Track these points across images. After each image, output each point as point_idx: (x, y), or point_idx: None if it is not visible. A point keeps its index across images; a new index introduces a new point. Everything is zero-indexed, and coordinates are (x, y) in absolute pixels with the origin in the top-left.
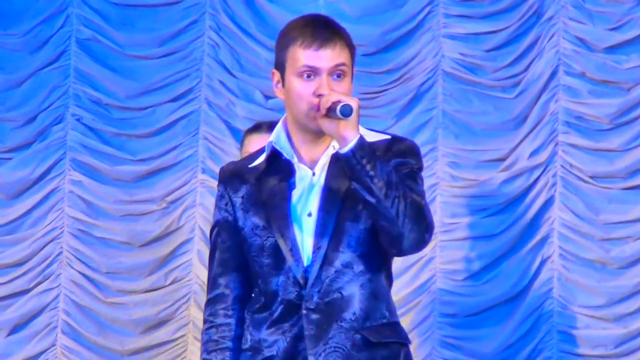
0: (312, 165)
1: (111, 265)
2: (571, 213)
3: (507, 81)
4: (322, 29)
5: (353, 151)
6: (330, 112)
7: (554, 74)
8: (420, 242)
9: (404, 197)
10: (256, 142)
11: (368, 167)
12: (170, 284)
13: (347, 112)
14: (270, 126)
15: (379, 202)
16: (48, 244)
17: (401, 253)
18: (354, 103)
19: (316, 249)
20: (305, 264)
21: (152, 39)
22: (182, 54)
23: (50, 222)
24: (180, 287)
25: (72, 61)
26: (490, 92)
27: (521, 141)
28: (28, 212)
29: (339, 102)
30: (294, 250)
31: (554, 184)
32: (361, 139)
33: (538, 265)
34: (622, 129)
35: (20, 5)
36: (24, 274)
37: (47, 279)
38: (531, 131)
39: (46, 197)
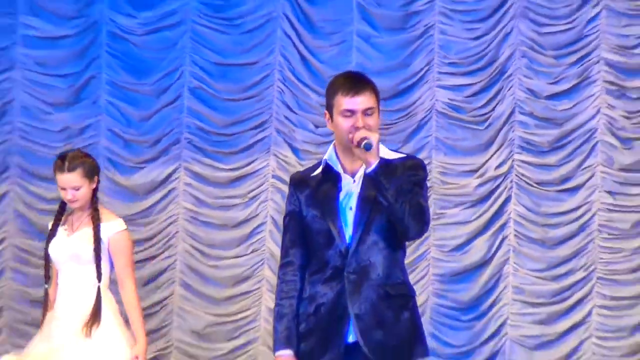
0: (352, 175)
1: (210, 240)
2: (522, 207)
3: (480, 117)
4: (356, 82)
5: (374, 172)
6: (359, 145)
7: (512, 113)
8: (419, 234)
9: (409, 202)
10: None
11: (384, 182)
12: (250, 253)
13: (368, 147)
14: None
15: (390, 205)
16: (169, 225)
17: (407, 240)
18: (374, 140)
19: (354, 232)
20: (347, 242)
21: (238, 87)
22: (259, 97)
23: (170, 211)
24: (257, 255)
25: (185, 102)
26: (468, 125)
27: (489, 158)
28: (156, 203)
29: (364, 139)
30: (340, 233)
31: (511, 187)
32: (380, 161)
33: (499, 242)
34: (557, 151)
35: (150, 63)
36: (153, 245)
37: (168, 249)
38: (496, 152)
39: (168, 194)
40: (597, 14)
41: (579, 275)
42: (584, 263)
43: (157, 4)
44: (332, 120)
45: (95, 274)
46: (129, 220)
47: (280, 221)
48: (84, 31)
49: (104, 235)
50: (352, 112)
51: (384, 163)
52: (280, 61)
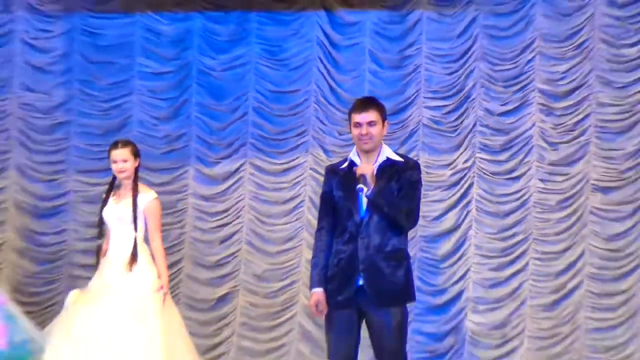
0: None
1: (267, 212)
2: (481, 190)
3: (452, 128)
4: (364, 103)
5: (371, 197)
6: (362, 146)
7: (474, 125)
8: (411, 227)
9: (402, 209)
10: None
11: (380, 202)
12: (294, 221)
13: (361, 190)
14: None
15: (387, 215)
16: (238, 202)
17: (403, 232)
18: (369, 175)
19: (366, 211)
20: (361, 216)
21: (286, 107)
22: (300, 114)
23: (239, 192)
24: (298, 223)
25: (250, 117)
26: (444, 134)
27: (458, 156)
28: (230, 186)
29: (361, 176)
30: (357, 209)
31: (473, 176)
32: (386, 161)
33: (465, 214)
34: (505, 152)
35: (225, 90)
36: (228, 215)
37: (237, 218)
38: (463, 152)
39: (238, 180)
40: (533, 57)
41: (520, 237)
42: (524, 229)
43: (230, 50)
44: (350, 132)
45: (134, 229)
46: (209, 198)
47: (315, 200)
48: (181, 68)
49: (140, 203)
50: (359, 124)
51: (389, 163)
52: (315, 89)
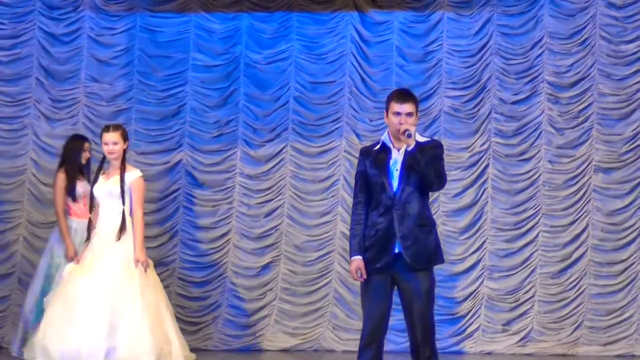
0: (398, 150)
1: (306, 189)
2: (496, 170)
3: (470, 115)
4: (404, 95)
5: (413, 151)
6: (403, 134)
7: (489, 113)
8: (440, 187)
9: (434, 168)
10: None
11: (419, 157)
12: (330, 197)
13: (409, 135)
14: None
15: (422, 170)
16: (280, 180)
17: (432, 191)
18: (413, 131)
19: (399, 185)
20: (394, 190)
21: (323, 97)
22: (336, 103)
23: (281, 171)
24: (334, 199)
25: (291, 105)
26: (463, 121)
27: (476, 140)
28: (272, 167)
29: (407, 130)
30: (389, 184)
31: (489, 158)
32: (416, 143)
33: (482, 192)
34: (517, 136)
35: (269, 82)
36: (270, 192)
37: (279, 195)
38: (480, 136)
39: (280, 161)
40: (542, 53)
41: (531, 212)
42: (534, 204)
43: (274, 45)
44: (387, 117)
45: (122, 204)
46: (255, 177)
47: (349, 179)
48: (230, 62)
49: (127, 179)
50: (399, 114)
51: (418, 144)
52: (348, 81)
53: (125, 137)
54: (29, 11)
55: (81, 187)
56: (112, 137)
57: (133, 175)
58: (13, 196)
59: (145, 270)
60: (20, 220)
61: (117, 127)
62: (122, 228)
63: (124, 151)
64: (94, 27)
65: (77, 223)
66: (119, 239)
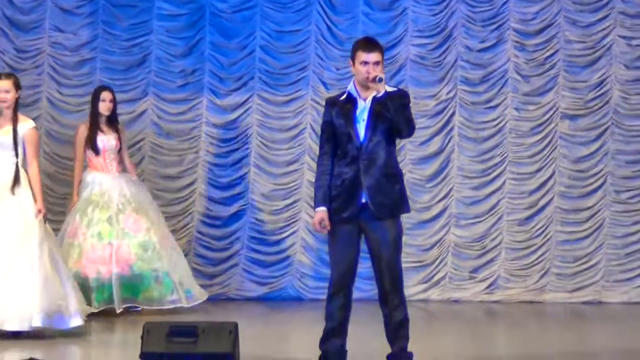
0: (364, 100)
1: (272, 137)
2: (462, 117)
3: (437, 64)
4: (371, 44)
5: (383, 97)
6: (373, 80)
7: (455, 60)
8: (409, 134)
9: (403, 114)
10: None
11: (389, 103)
12: (297, 146)
13: (380, 80)
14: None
15: (392, 116)
16: (247, 129)
17: (401, 137)
18: (382, 76)
19: (365, 134)
20: (361, 140)
21: (290, 45)
22: (302, 52)
23: (247, 120)
24: (301, 147)
25: (257, 54)
26: (430, 69)
27: (442, 88)
28: (239, 116)
29: (376, 76)
30: (356, 134)
31: (455, 106)
32: (386, 92)
33: (448, 140)
34: (483, 84)
35: (235, 31)
36: (235, 143)
37: (246, 144)
38: (446, 84)
39: (246, 110)
40: (507, 0)
41: (497, 159)
42: (500, 152)
43: None
44: (354, 66)
45: (14, 156)
46: (221, 126)
47: (315, 127)
48: (195, 11)
49: (20, 130)
50: (366, 63)
51: (386, 93)
52: (315, 29)
53: (17, 86)
54: None
55: (101, 140)
56: (3, 85)
57: (26, 126)
58: None
59: (45, 222)
60: None
61: (9, 76)
62: (16, 181)
63: (17, 100)
64: None
65: (93, 176)
66: (13, 193)
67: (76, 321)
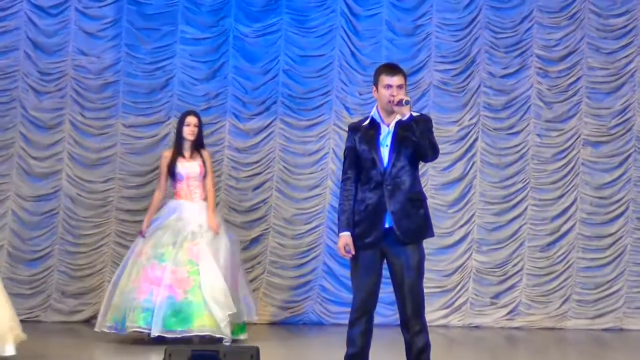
0: (388, 125)
1: (295, 162)
2: (484, 144)
3: (460, 90)
4: (394, 68)
5: (409, 119)
6: (398, 103)
7: (479, 86)
8: (433, 158)
9: (428, 139)
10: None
11: (414, 126)
12: (319, 171)
13: (407, 103)
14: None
15: (417, 140)
16: (268, 154)
17: (425, 161)
18: (409, 99)
19: (389, 159)
20: (385, 165)
21: (313, 70)
22: (326, 76)
23: (269, 144)
24: (323, 172)
25: (280, 78)
26: (453, 94)
27: (465, 114)
28: (261, 140)
29: (402, 99)
30: (380, 160)
31: (478, 131)
32: (411, 115)
33: (471, 165)
34: (506, 110)
35: (259, 55)
36: (258, 167)
37: (268, 168)
38: (469, 110)
39: (268, 135)
40: (531, 26)
41: (519, 185)
42: (523, 178)
43: (263, 19)
44: (377, 91)
45: None
46: (243, 150)
47: (338, 152)
48: (219, 35)
49: None
50: (390, 86)
51: (412, 117)
52: (338, 54)
53: None
54: None
55: (184, 167)
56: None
57: None
58: (1, 169)
59: None
60: (9, 193)
61: None
62: None
63: None
64: (82, 0)
65: (177, 203)
66: None
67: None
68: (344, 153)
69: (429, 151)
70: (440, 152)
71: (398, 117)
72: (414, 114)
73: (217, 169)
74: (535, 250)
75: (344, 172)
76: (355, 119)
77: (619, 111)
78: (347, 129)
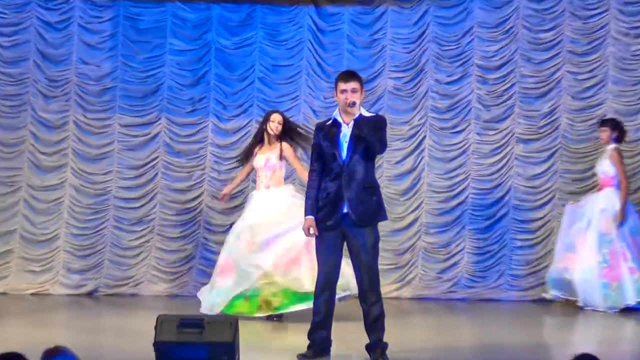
0: (347, 124)
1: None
2: (432, 140)
3: (410, 94)
4: (348, 75)
5: (358, 119)
6: (349, 105)
7: (426, 92)
8: (381, 152)
9: (376, 135)
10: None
11: (363, 125)
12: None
13: (353, 104)
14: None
15: (367, 137)
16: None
17: (375, 155)
18: (355, 100)
19: (347, 154)
20: (343, 159)
21: (284, 77)
22: (295, 83)
23: (246, 141)
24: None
25: (256, 85)
26: (404, 99)
27: (414, 115)
28: (238, 139)
29: (352, 101)
30: (339, 155)
31: (425, 131)
32: (361, 116)
33: (420, 160)
34: (450, 112)
35: (237, 63)
36: (236, 161)
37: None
38: (418, 112)
39: (245, 133)
40: (472, 40)
41: (461, 177)
42: (464, 170)
43: (241, 33)
44: (336, 95)
45: None
46: (224, 146)
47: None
48: (202, 47)
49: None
50: (345, 91)
51: (364, 118)
52: (306, 64)
53: None
54: (27, 2)
55: (263, 158)
56: None
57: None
58: (14, 163)
59: None
60: (21, 184)
61: None
62: None
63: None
64: (83, 16)
65: (257, 194)
66: None
67: None
68: (312, 148)
69: (377, 145)
70: (393, 148)
71: (357, 116)
72: (370, 114)
73: (201, 163)
74: (475, 233)
75: (311, 165)
76: (321, 120)
77: (547, 113)
78: (314, 128)
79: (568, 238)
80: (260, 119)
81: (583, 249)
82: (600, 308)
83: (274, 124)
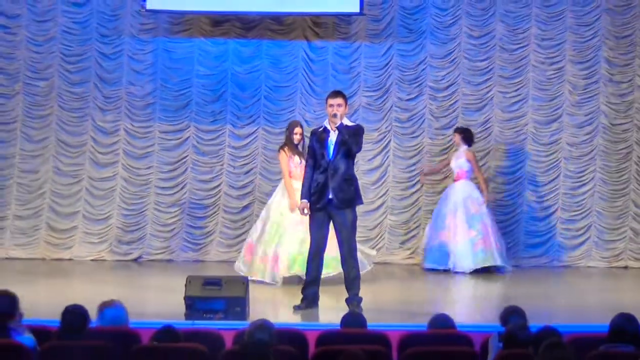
0: (334, 131)
1: (272, 155)
2: (395, 143)
3: (379, 109)
4: (335, 93)
5: (340, 128)
6: (332, 116)
7: (391, 107)
8: (357, 151)
9: (354, 140)
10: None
11: (344, 131)
12: None
13: (335, 115)
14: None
15: (346, 140)
16: (255, 150)
17: (353, 154)
18: (337, 112)
19: (333, 154)
20: (329, 157)
21: (284, 95)
22: (292, 100)
23: (255, 144)
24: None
25: (262, 101)
26: (374, 112)
27: (382, 124)
28: (249, 142)
29: (334, 113)
30: (327, 154)
31: (390, 136)
32: (345, 126)
33: (386, 158)
34: (409, 121)
35: (247, 82)
36: (248, 159)
37: (253, 160)
38: (385, 122)
39: (254, 138)
40: (425, 67)
41: (418, 171)
42: (420, 166)
43: (251, 61)
44: (326, 109)
45: None
46: (238, 148)
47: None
48: (221, 72)
49: None
50: (331, 105)
51: (346, 126)
52: (300, 86)
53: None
54: (88, 38)
55: (294, 164)
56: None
57: None
58: (78, 160)
59: None
60: (83, 176)
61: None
62: None
63: None
64: (131, 49)
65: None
66: None
67: None
68: (307, 149)
69: (354, 147)
70: (366, 149)
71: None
72: (352, 123)
73: (220, 160)
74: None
75: (306, 161)
76: (314, 127)
77: (482, 122)
78: (308, 134)
79: (440, 220)
80: (265, 127)
81: (457, 228)
82: (468, 270)
83: (297, 137)
